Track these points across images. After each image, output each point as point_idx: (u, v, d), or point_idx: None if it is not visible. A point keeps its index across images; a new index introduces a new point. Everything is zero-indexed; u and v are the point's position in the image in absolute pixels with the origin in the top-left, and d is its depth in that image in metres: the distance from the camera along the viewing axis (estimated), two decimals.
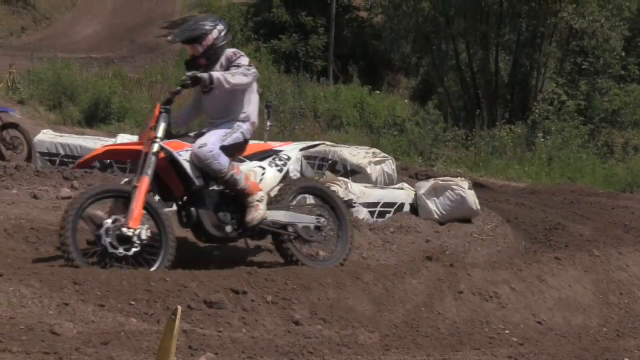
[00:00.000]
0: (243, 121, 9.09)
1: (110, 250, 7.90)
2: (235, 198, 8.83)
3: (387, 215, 12.62)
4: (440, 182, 13.04)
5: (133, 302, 6.83)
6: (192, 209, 8.62)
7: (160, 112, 8.55)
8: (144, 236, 7.98)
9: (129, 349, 5.94)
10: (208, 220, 8.67)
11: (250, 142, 9.52)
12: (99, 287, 6.88)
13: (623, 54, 41.62)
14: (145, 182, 8.11)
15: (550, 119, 31.50)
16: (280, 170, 9.42)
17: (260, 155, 9.52)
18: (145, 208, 8.12)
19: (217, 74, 8.62)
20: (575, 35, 36.20)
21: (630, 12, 40.01)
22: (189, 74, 8.62)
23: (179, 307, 4.52)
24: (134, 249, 7.95)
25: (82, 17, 48.53)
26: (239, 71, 8.74)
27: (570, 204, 16.06)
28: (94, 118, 27.97)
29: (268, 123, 14.98)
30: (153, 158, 8.29)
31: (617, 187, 23.30)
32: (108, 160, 13.59)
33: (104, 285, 6.93)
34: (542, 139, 28.37)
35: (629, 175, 24.86)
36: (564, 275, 8.72)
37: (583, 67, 39.93)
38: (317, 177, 13.15)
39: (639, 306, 8.55)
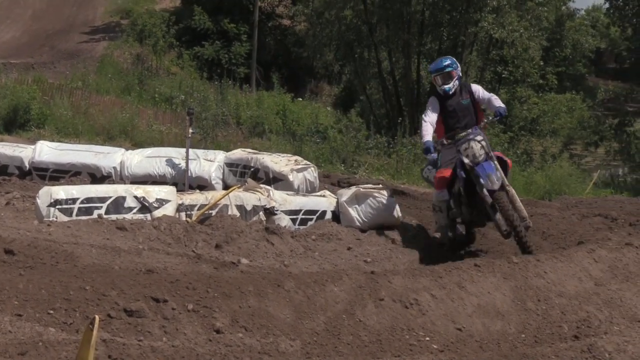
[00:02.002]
0: None
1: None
2: None
3: (309, 223, 12.65)
4: (362, 189, 13.10)
5: (51, 312, 6.74)
6: None
7: None
8: None
9: (47, 359, 5.87)
10: None
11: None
12: (16, 297, 6.78)
13: (542, 63, 42.43)
14: None
15: None
16: None
17: None
18: None
19: None
20: (496, 44, 36.72)
21: (549, 23, 40.79)
22: None
23: (97, 317, 4.49)
24: None
25: (1, 22, 47.73)
26: None
27: None
28: (13, 124, 27.54)
29: (190, 130, 14.93)
30: None
31: (536, 195, 23.59)
32: None
33: (22, 294, 6.84)
34: None
35: (548, 183, 25.18)
36: (483, 282, 8.81)
37: (503, 76, 40.60)
38: (239, 185, 13.12)
39: (556, 312, 8.67)
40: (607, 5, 49.30)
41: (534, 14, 35.31)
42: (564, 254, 10.16)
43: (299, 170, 14.41)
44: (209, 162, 15.50)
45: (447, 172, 11.85)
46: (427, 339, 7.86)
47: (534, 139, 41.18)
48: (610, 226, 14.05)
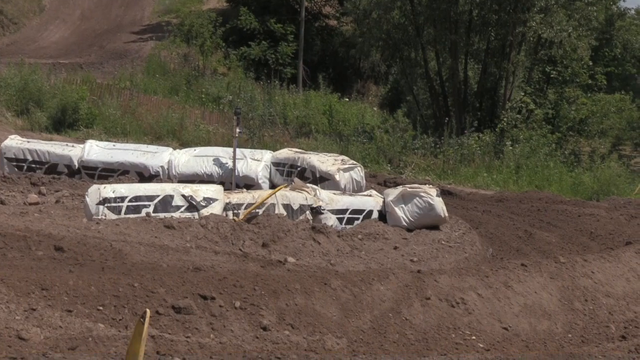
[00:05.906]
0: None
1: None
2: None
3: (356, 222, 12.67)
4: (408, 189, 13.10)
5: (101, 308, 6.82)
6: None
7: None
8: None
9: (96, 354, 5.94)
10: None
11: None
12: (66, 293, 6.86)
13: (590, 63, 42.02)
14: None
15: (518, 127, 31.63)
16: None
17: None
18: None
19: None
20: (544, 44, 36.40)
21: (598, 22, 40.33)
22: None
23: (148, 311, 4.53)
24: None
25: (50, 22, 48.16)
26: None
27: (537, 212, 16.14)
28: (62, 124, 27.82)
29: (237, 130, 15.01)
30: None
31: (584, 195, 23.45)
32: None
33: (72, 290, 6.91)
34: (510, 147, 28.49)
35: (596, 184, 25.01)
36: (530, 282, 8.78)
37: (551, 76, 40.25)
38: (286, 184, 13.17)
39: (603, 312, 8.63)
40: None
41: (582, 14, 34.95)
42: (612, 254, 10.11)
43: (345, 170, 14.43)
44: (256, 162, 15.56)
45: None
46: (474, 337, 7.86)
47: (582, 140, 40.82)
48: None
